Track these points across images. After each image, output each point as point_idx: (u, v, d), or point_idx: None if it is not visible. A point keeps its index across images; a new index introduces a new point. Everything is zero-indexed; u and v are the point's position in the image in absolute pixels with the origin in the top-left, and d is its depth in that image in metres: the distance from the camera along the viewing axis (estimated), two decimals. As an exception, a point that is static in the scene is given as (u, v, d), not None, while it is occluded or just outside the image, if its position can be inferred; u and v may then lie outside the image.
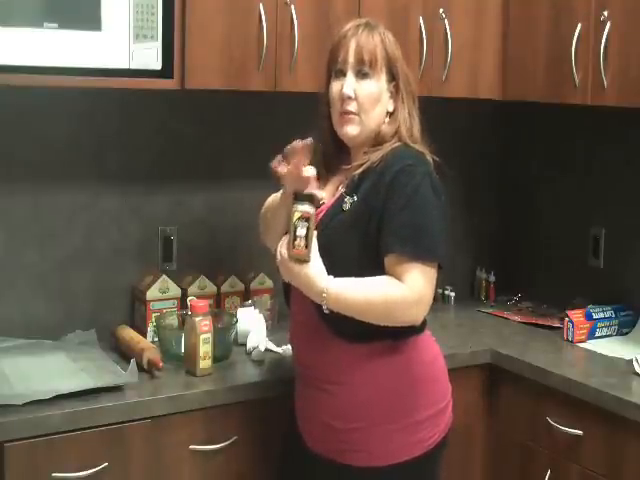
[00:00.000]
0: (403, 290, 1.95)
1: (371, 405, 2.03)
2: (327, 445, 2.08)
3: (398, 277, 1.96)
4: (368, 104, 2.06)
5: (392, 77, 2.10)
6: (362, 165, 2.06)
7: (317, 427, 2.09)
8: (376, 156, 2.04)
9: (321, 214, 2.07)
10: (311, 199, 1.96)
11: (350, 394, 2.03)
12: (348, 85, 2.05)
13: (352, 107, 2.06)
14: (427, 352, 2.11)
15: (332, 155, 2.16)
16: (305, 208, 1.94)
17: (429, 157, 2.08)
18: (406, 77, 2.12)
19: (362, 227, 2.00)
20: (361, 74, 2.06)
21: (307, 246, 1.93)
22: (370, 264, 1.98)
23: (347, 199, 2.04)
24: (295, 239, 1.93)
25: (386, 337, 2.02)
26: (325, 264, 1.97)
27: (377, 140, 2.09)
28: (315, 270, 1.96)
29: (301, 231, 1.93)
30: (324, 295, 1.95)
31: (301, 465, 2.18)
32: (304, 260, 1.95)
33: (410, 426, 2.04)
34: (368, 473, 2.04)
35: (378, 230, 1.98)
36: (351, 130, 2.08)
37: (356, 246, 2.00)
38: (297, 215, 1.94)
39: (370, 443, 2.03)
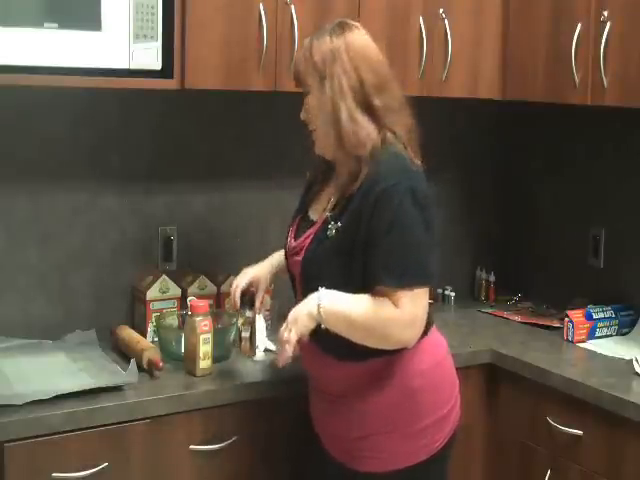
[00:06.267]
0: (395, 311, 1.94)
1: (372, 417, 2.05)
2: (337, 451, 2.14)
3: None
4: (313, 118, 2.06)
5: None
6: (346, 186, 2.02)
7: (327, 434, 2.16)
8: (360, 177, 1.98)
9: (308, 239, 2.08)
10: (252, 302, 2.29)
11: (351, 407, 2.07)
12: (303, 110, 2.08)
13: (310, 126, 2.08)
14: (427, 361, 2.08)
15: (323, 170, 2.17)
16: (248, 314, 2.27)
17: (413, 163, 2.01)
18: (338, 77, 1.97)
19: (346, 255, 1.98)
20: (305, 91, 2.07)
21: (251, 345, 2.23)
22: (357, 290, 1.97)
23: (331, 225, 2.02)
24: (241, 340, 2.25)
25: (382, 354, 2.01)
26: (312, 291, 1.99)
27: (345, 148, 2.00)
28: (303, 302, 2.00)
29: (245, 334, 2.24)
30: (320, 307, 1.95)
31: (320, 466, 2.22)
32: (249, 357, 2.31)
33: (413, 434, 2.05)
34: (374, 478, 2.07)
35: (363, 257, 1.96)
36: (316, 150, 2.10)
37: (342, 273, 1.99)
38: (241, 321, 2.32)
39: (375, 450, 2.06)
